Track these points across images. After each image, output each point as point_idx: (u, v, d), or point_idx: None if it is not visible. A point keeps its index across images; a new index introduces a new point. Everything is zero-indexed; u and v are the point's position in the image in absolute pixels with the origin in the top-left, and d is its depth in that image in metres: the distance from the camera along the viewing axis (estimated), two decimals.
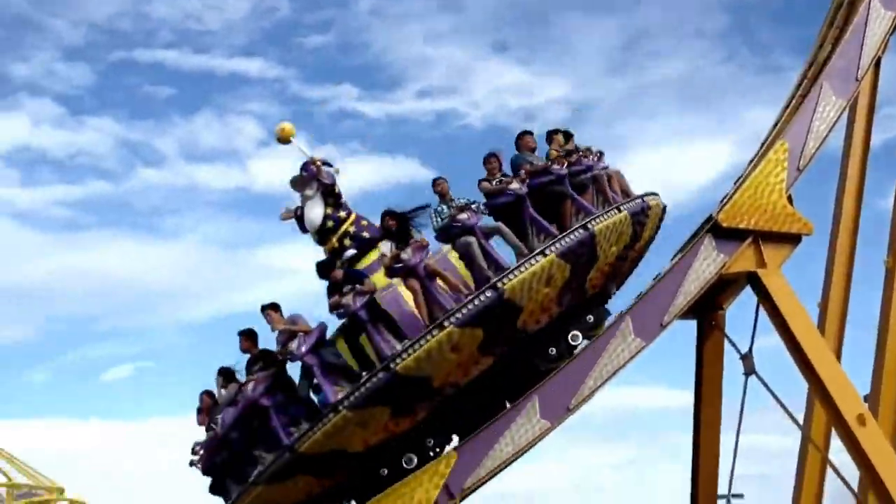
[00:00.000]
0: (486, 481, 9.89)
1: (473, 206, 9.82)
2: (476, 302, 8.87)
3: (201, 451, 10.28)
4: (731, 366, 11.72)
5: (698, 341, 11.88)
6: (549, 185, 10.16)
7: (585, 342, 9.92)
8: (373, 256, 11.29)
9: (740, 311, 11.83)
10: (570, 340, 9.93)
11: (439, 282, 9.35)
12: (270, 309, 9.84)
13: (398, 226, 9.59)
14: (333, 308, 9.26)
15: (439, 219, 9.75)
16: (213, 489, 10.78)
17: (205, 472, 10.86)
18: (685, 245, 10.94)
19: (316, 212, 11.69)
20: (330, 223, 11.60)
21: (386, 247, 9.65)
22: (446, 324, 8.76)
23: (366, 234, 11.70)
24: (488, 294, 8.90)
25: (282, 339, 9.50)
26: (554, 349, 9.89)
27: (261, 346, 10.12)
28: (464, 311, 8.82)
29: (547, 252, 9.21)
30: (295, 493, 9.51)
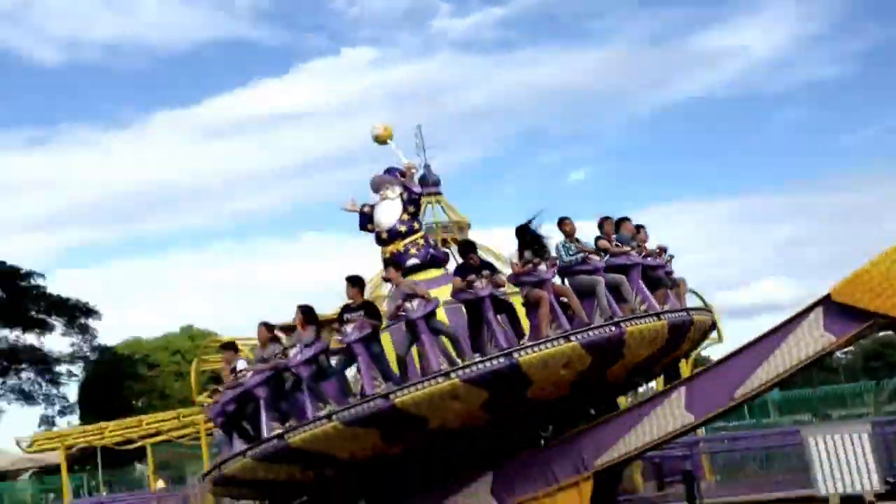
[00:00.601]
0: None
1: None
2: (598, 331, 9.32)
3: (254, 376, 9.92)
4: None
5: None
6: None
7: None
8: (434, 274, 11.65)
9: None
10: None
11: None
12: (392, 266, 9.88)
13: (533, 239, 9.95)
14: (467, 287, 9.38)
15: (567, 254, 10.24)
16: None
17: (220, 413, 10.47)
18: None
19: (392, 213, 12.07)
20: (403, 228, 11.98)
21: (514, 255, 9.99)
22: (573, 339, 9.15)
23: (433, 252, 12.16)
24: (612, 329, 9.38)
25: (399, 296, 9.50)
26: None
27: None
28: (587, 334, 9.24)
29: (661, 317, 9.86)
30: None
